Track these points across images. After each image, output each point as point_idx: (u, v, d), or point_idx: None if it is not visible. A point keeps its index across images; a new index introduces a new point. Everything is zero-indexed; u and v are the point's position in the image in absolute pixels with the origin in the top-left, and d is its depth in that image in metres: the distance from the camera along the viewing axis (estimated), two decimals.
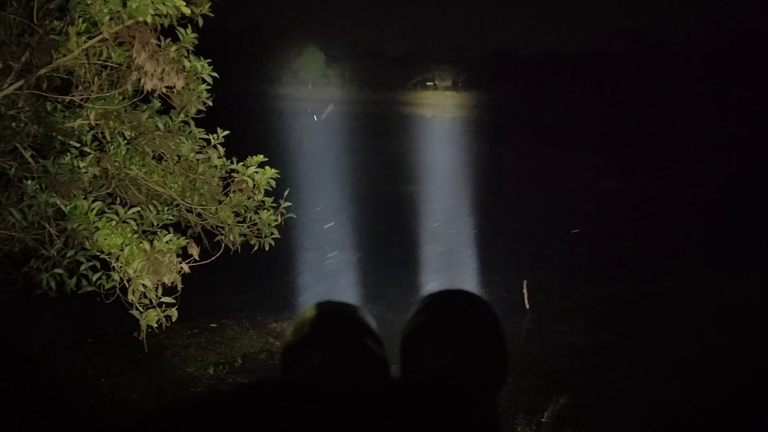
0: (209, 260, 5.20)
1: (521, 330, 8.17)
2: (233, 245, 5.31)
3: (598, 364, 7.13)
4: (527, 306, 8.66)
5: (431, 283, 9.44)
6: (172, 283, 4.89)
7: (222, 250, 5.32)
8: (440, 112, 50.34)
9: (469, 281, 9.79)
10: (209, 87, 5.19)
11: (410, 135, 31.12)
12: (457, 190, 16.92)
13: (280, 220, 5.42)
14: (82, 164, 4.88)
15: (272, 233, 5.41)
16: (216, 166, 5.30)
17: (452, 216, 13.75)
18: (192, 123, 5.27)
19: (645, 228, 13.24)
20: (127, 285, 4.82)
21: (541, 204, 15.38)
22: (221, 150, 5.33)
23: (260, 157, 5.40)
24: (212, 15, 5.14)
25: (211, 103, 5.24)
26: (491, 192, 16.67)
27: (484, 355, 1.24)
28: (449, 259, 10.85)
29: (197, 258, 5.00)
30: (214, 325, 7.82)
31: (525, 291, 8.82)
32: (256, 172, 5.35)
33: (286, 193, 5.49)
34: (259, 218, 5.40)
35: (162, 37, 5.10)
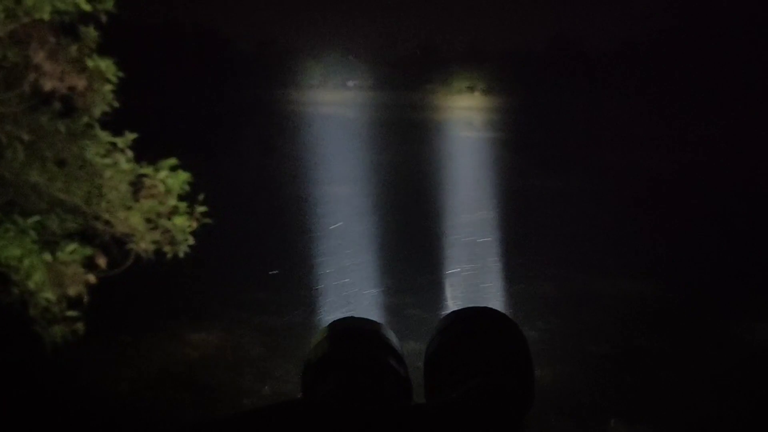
0: (119, 270, 4.95)
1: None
2: (145, 253, 5.07)
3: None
4: (450, 305, 8.77)
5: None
6: (78, 295, 4.63)
7: (132, 259, 5.07)
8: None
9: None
10: (114, 88, 4.94)
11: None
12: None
13: (194, 226, 5.22)
14: None
15: (186, 240, 5.20)
16: (124, 171, 5.04)
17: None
18: (97, 126, 5.01)
19: (561, 226, 13.63)
20: (27, 299, 4.53)
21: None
22: (130, 154, 5.08)
23: (172, 161, 5.19)
24: (116, 12, 4.90)
25: (117, 104, 4.99)
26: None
27: (509, 378, 1.23)
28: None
29: (104, 268, 4.75)
30: (128, 339, 7.47)
31: (448, 290, 8.93)
32: (169, 176, 5.14)
33: (201, 197, 5.30)
34: (173, 224, 5.19)
35: (62, 36, 4.84)
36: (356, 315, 1.35)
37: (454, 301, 8.95)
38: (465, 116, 39.61)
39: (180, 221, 5.15)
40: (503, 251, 11.34)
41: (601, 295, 9.53)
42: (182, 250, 5.20)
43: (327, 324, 1.34)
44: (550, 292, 9.56)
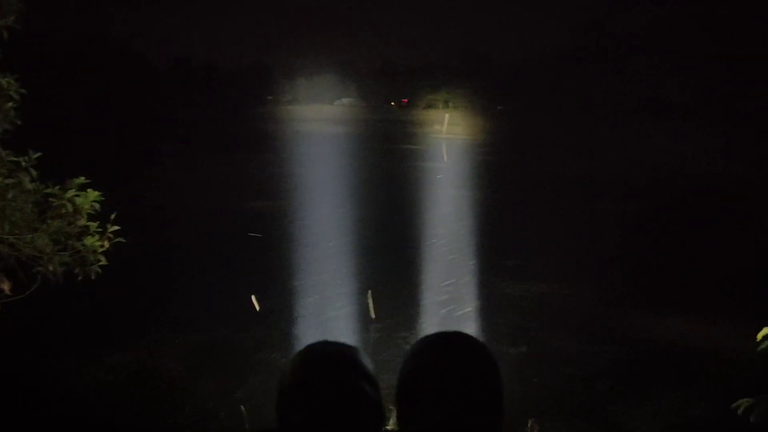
0: (26, 294, 4.73)
1: (369, 339, 8.32)
2: (53, 276, 4.87)
3: None
4: (373, 316, 8.83)
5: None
6: None
7: (39, 282, 4.86)
8: None
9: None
10: (16, 105, 4.74)
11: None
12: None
13: (106, 245, 5.06)
14: None
15: (99, 260, 5.04)
16: (29, 191, 4.84)
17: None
18: None
19: (484, 234, 14.00)
20: None
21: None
22: (34, 173, 4.87)
23: (81, 179, 5.02)
24: (18, 27, 4.73)
25: (19, 122, 4.79)
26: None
27: (479, 406, 1.25)
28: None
29: (9, 293, 4.53)
30: (38, 365, 7.13)
31: (369, 301, 8.98)
32: (77, 195, 4.97)
33: (113, 216, 5.14)
34: (83, 245, 5.01)
35: None
36: (330, 339, 1.38)
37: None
38: (387, 129, 39.87)
39: (91, 241, 4.98)
40: (421, 259, 11.55)
41: (520, 298, 9.87)
42: (94, 272, 5.03)
43: (302, 347, 1.37)
44: (468, 297, 9.79)
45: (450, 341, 1.35)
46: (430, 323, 8.72)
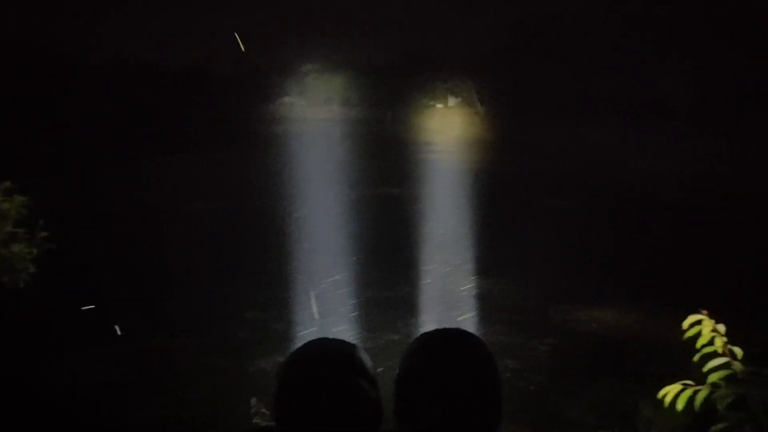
0: None
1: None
2: None
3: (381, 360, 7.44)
4: (316, 316, 8.81)
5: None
6: None
7: None
8: None
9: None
10: None
11: None
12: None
13: (34, 252, 4.88)
14: None
15: (27, 268, 4.86)
16: None
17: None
18: None
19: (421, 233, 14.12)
20: None
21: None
22: None
23: (7, 184, 4.83)
24: None
25: None
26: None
27: (478, 403, 1.25)
28: None
29: None
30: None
31: (313, 302, 8.97)
32: (3, 201, 4.78)
33: (41, 222, 4.97)
34: (11, 252, 4.82)
35: None
36: (329, 336, 1.36)
37: None
38: (323, 128, 39.74)
39: (18, 248, 4.80)
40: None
41: (461, 294, 10.04)
42: (23, 280, 4.85)
43: (301, 344, 1.34)
44: (405, 295, 9.88)
45: (449, 338, 1.35)
46: (371, 322, 8.76)
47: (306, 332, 8.19)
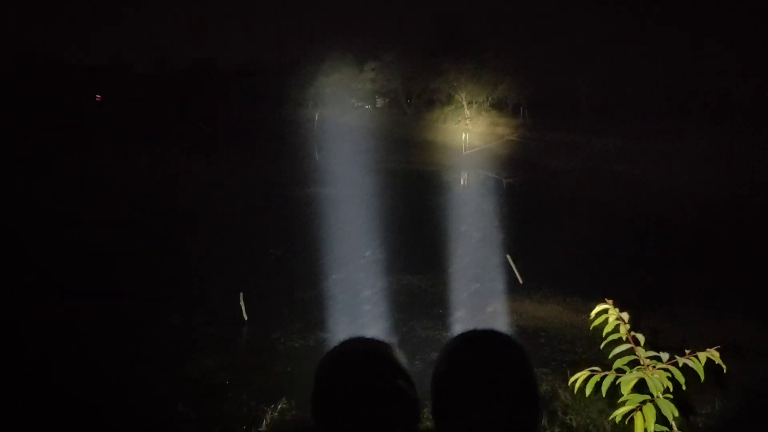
0: None
1: (241, 342, 8.22)
2: None
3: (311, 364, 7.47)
4: (245, 317, 8.71)
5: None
6: None
7: None
8: None
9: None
10: None
11: None
12: None
13: None
14: None
15: None
16: None
17: None
18: None
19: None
20: None
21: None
22: None
23: None
24: None
25: None
26: None
27: (515, 404, 1.24)
28: None
29: None
30: None
31: (242, 303, 8.85)
32: None
33: None
34: None
35: None
36: (366, 335, 1.34)
37: None
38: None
39: None
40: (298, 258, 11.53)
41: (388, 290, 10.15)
42: None
43: (338, 343, 1.32)
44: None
45: (484, 339, 1.37)
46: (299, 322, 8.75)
47: None
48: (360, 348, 1.36)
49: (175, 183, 20.22)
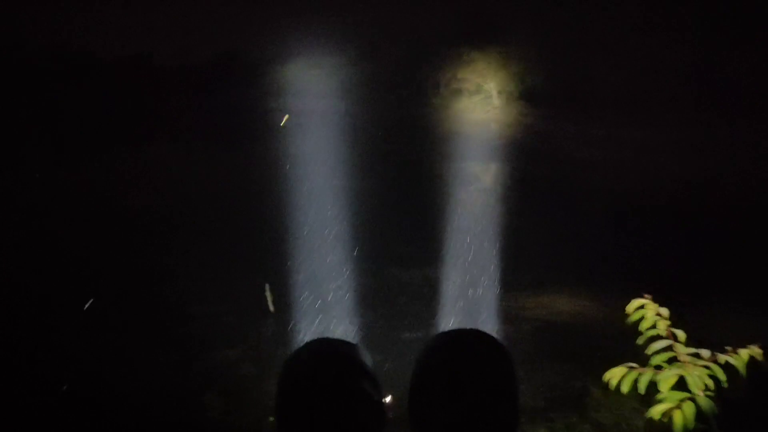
0: None
1: (266, 334, 8.24)
2: None
3: None
4: (272, 309, 8.73)
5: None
6: None
7: None
8: None
9: None
10: None
11: None
12: None
13: None
14: None
15: None
16: None
17: None
18: None
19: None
20: None
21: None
22: None
23: None
24: None
25: None
26: None
27: (494, 403, 1.23)
28: None
29: None
30: None
31: (268, 294, 8.88)
32: None
33: None
34: None
35: None
36: (331, 336, 1.32)
37: None
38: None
39: None
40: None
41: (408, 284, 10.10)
42: None
43: (302, 343, 1.29)
44: (365, 284, 9.89)
45: (465, 338, 1.34)
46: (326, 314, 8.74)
47: None
48: (325, 349, 1.34)
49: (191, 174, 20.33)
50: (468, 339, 1.33)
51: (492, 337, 1.34)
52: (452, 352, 1.31)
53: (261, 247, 11.62)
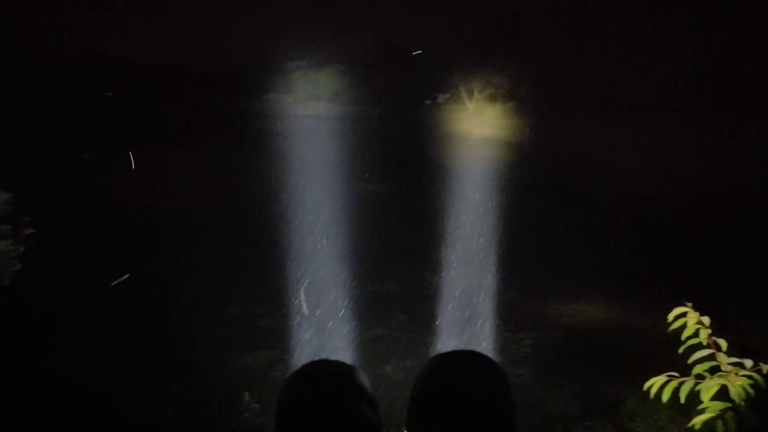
0: None
1: (300, 335, 8.32)
2: None
3: (372, 358, 7.49)
4: (305, 311, 8.81)
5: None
6: None
7: None
8: None
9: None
10: None
11: None
12: None
13: (21, 249, 4.85)
14: None
15: (13, 265, 4.82)
16: None
17: None
18: None
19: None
20: None
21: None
22: None
23: None
24: None
25: None
26: None
27: (493, 425, 1.23)
28: None
29: None
30: None
31: (302, 297, 8.97)
32: None
33: (25, 218, 4.93)
34: None
35: None
36: (330, 358, 1.35)
37: None
38: (316, 125, 39.51)
39: (4, 245, 4.76)
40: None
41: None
42: (8, 276, 4.81)
43: (301, 365, 1.33)
44: (395, 289, 9.91)
45: (463, 360, 1.36)
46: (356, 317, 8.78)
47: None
48: (324, 371, 1.35)
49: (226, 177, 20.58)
50: (467, 362, 1.34)
51: (489, 359, 1.35)
52: (451, 374, 1.32)
53: (295, 248, 11.75)
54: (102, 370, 7.11)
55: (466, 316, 8.93)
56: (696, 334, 2.77)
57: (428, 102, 57.82)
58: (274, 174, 20.55)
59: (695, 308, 2.86)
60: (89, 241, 12.11)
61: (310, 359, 1.38)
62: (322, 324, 8.51)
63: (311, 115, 46.06)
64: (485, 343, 8.02)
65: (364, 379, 1.36)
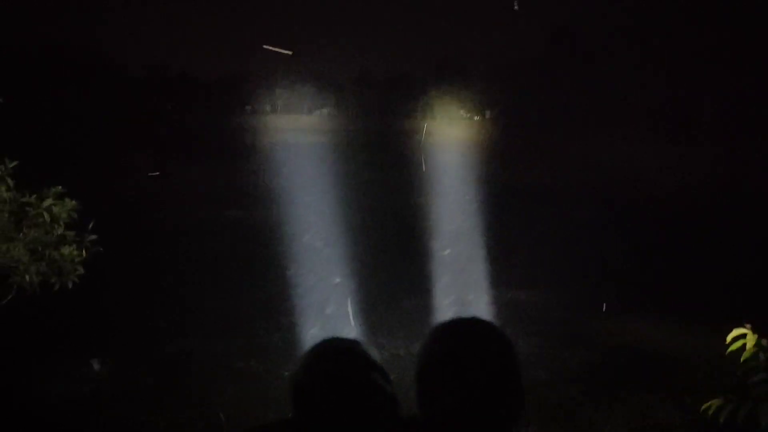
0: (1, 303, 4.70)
1: None
2: (29, 286, 4.84)
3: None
4: (352, 323, 8.86)
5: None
6: None
7: (13, 292, 4.83)
8: None
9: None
10: None
11: None
12: None
13: (84, 255, 5.04)
14: None
15: (76, 270, 5.02)
16: (5, 200, 4.81)
17: None
18: None
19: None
20: None
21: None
22: (10, 182, 4.85)
23: (58, 189, 5.01)
24: None
25: None
26: None
27: (499, 388, 1.26)
28: None
29: None
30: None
31: (349, 308, 9.03)
32: (54, 205, 4.96)
33: (90, 225, 5.14)
34: (60, 254, 4.99)
35: None
36: (340, 335, 1.41)
37: None
38: (363, 139, 39.72)
39: (68, 251, 4.96)
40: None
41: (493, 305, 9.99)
42: (71, 281, 5.00)
43: (314, 343, 1.39)
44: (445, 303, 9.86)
45: (468, 326, 1.38)
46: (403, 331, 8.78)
47: None
48: (336, 346, 1.38)
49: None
50: (470, 327, 1.36)
51: (493, 324, 1.37)
52: (455, 339, 1.34)
53: (342, 258, 11.85)
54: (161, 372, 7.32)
55: (515, 329, 8.82)
56: (756, 357, 2.69)
57: (476, 117, 57.69)
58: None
59: (754, 330, 2.77)
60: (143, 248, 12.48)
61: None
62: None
63: (359, 129, 46.31)
64: (533, 359, 7.90)
65: (373, 352, 1.39)
